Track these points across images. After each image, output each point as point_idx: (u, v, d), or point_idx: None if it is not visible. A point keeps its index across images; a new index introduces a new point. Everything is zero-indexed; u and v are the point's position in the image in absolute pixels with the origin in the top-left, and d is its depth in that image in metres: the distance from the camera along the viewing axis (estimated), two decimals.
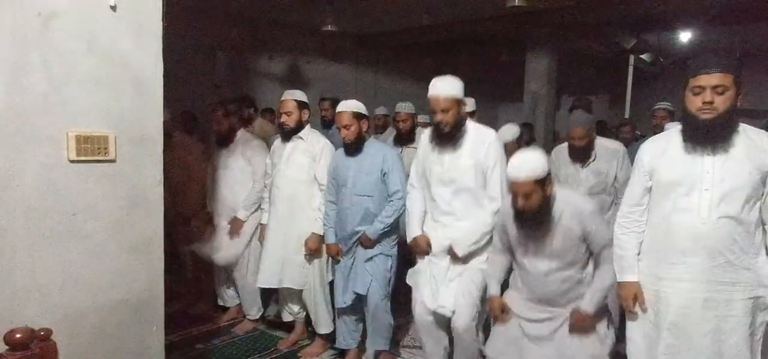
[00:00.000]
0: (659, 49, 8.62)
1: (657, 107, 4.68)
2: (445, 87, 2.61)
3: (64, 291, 1.99)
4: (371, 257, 3.06)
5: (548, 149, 6.46)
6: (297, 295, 3.49)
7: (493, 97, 10.67)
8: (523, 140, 5.82)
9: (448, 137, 2.66)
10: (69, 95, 1.94)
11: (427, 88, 2.70)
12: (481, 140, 2.67)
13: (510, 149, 3.59)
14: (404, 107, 4.59)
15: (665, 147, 2.10)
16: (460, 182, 2.69)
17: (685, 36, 7.91)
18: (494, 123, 10.72)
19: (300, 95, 3.42)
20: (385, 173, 3.04)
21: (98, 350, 2.10)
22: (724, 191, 1.94)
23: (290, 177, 3.32)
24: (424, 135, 2.86)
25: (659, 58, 8.93)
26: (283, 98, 3.42)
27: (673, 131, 2.11)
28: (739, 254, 1.97)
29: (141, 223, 2.18)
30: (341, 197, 3.15)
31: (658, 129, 4.39)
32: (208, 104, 4.64)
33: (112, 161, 2.07)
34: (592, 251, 2.40)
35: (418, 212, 2.87)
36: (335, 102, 4.90)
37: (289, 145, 3.36)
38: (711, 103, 1.91)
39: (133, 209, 2.15)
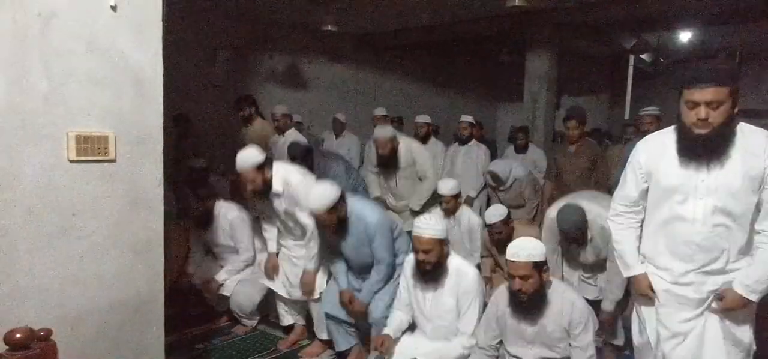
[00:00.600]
0: (659, 49, 8.63)
1: (643, 112, 4.47)
2: (428, 228, 2.61)
3: (64, 291, 1.99)
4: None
5: (548, 149, 6.49)
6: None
7: (493, 97, 10.68)
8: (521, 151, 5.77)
9: (429, 275, 2.69)
10: (69, 95, 1.94)
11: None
12: (462, 275, 2.71)
13: (497, 230, 3.61)
14: (383, 132, 4.22)
15: (661, 151, 2.05)
16: (443, 320, 2.75)
17: (685, 36, 7.90)
18: (494, 123, 10.75)
19: (254, 158, 3.09)
20: (370, 242, 3.02)
21: (98, 350, 2.10)
22: (720, 199, 1.91)
23: (294, 223, 3.30)
24: (407, 265, 2.85)
25: (659, 58, 8.93)
26: (239, 169, 3.12)
27: (668, 134, 2.06)
28: (735, 258, 1.96)
29: (141, 223, 2.18)
30: (348, 262, 3.18)
31: (646, 135, 4.33)
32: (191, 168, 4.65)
33: (112, 161, 2.07)
34: (572, 346, 2.42)
35: (395, 324, 2.86)
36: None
37: (275, 202, 3.27)
38: (705, 119, 1.85)
39: (133, 209, 2.15)
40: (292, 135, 5.07)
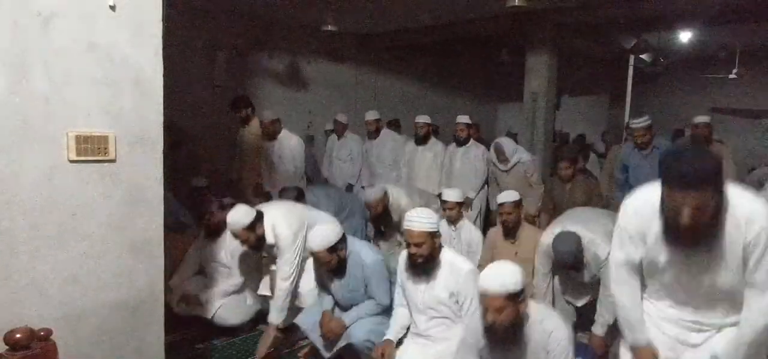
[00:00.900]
0: (659, 49, 8.62)
1: (634, 124, 4.25)
2: (419, 222, 2.61)
3: (64, 291, 1.99)
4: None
5: (548, 150, 6.50)
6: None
7: (493, 97, 10.68)
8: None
9: (421, 267, 2.69)
10: (69, 95, 1.94)
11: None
12: (456, 270, 2.69)
13: (507, 210, 3.66)
14: (373, 194, 4.11)
15: (650, 220, 1.88)
16: (436, 311, 2.75)
17: (685, 36, 7.90)
18: (494, 123, 10.75)
19: (244, 219, 3.16)
20: (366, 284, 3.04)
21: (98, 350, 2.11)
22: (711, 275, 1.84)
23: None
24: (401, 259, 2.88)
25: (659, 58, 8.92)
26: (231, 230, 3.21)
27: (655, 201, 1.85)
28: (733, 319, 1.91)
29: (141, 223, 2.18)
30: (339, 304, 3.16)
31: (642, 147, 4.29)
32: (199, 189, 4.64)
33: (112, 161, 2.07)
34: None
35: (399, 322, 2.90)
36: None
37: (273, 252, 3.33)
38: (690, 224, 1.71)
39: (133, 209, 2.15)
40: (285, 138, 5.07)
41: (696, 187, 1.66)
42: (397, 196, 4.26)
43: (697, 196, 1.67)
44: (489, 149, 5.37)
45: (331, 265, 2.98)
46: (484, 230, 4.48)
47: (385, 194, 4.15)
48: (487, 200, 5.29)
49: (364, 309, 3.04)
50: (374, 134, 5.92)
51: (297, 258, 3.29)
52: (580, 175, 4.54)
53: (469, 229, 4.13)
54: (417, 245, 2.62)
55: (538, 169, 5.09)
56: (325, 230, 2.98)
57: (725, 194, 1.74)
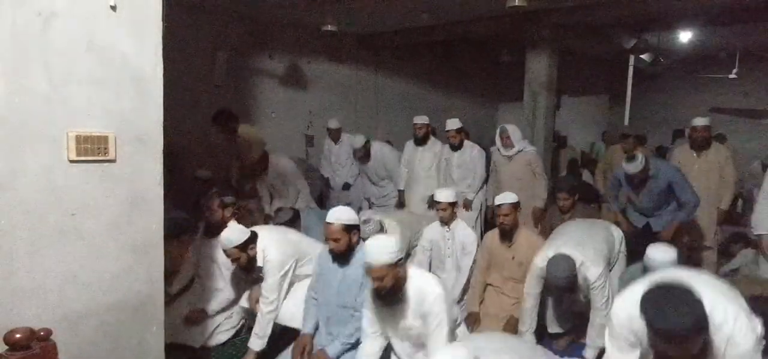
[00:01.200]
0: (659, 49, 8.62)
1: (630, 171, 3.98)
2: (377, 256, 2.51)
3: (64, 291, 1.99)
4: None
5: (548, 150, 6.49)
6: None
7: (493, 97, 10.68)
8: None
9: (387, 299, 2.63)
10: (69, 95, 1.94)
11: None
12: (423, 295, 2.62)
13: (504, 212, 3.65)
14: (371, 231, 3.78)
15: (641, 334, 1.91)
16: (416, 339, 2.72)
17: (685, 36, 7.90)
18: (494, 123, 10.76)
19: (237, 240, 3.18)
20: (361, 287, 2.98)
21: (98, 350, 2.11)
22: None
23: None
24: (367, 291, 2.80)
25: (659, 58, 8.92)
26: (223, 248, 3.23)
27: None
28: None
29: (141, 223, 2.18)
30: (324, 304, 3.12)
31: (639, 186, 4.14)
32: (205, 188, 4.57)
33: (112, 161, 2.07)
34: None
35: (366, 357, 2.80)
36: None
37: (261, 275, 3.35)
38: None
39: (133, 209, 2.15)
40: (275, 164, 5.03)
41: (679, 340, 1.70)
42: (389, 231, 4.15)
43: (681, 346, 1.72)
44: (485, 151, 5.36)
45: (340, 246, 2.95)
46: (485, 229, 4.46)
47: (382, 229, 4.03)
48: (487, 204, 5.29)
49: (350, 330, 2.98)
50: (365, 158, 5.77)
51: (282, 285, 3.28)
52: (579, 204, 4.52)
53: (463, 229, 4.10)
54: (378, 279, 2.54)
55: (541, 161, 5.09)
56: (347, 209, 3.05)
57: (709, 315, 1.75)
